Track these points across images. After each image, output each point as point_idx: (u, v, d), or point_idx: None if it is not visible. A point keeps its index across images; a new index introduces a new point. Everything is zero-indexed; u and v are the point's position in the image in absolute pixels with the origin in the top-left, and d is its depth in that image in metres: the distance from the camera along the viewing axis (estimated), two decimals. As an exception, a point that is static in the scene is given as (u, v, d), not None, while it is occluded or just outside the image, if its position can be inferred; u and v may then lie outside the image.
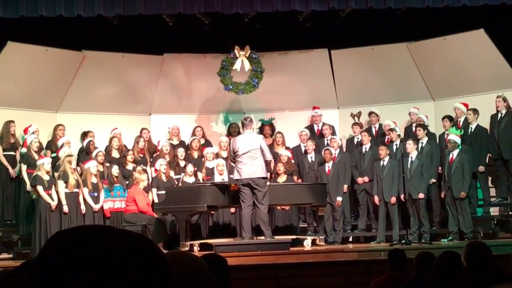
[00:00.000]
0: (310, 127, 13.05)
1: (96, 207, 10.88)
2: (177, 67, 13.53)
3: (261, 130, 12.93)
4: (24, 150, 11.29)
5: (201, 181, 11.48)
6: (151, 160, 12.23)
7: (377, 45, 12.96)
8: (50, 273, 1.14)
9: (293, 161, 12.06)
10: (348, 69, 13.24)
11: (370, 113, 12.81)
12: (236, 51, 12.56)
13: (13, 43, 11.66)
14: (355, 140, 12.54)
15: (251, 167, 9.73)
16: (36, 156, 10.99)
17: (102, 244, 1.16)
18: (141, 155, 12.11)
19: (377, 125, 12.75)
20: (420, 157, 11.06)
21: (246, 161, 9.77)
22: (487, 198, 11.62)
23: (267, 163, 10.24)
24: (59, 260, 1.14)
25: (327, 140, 12.42)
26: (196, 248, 10.04)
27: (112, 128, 12.55)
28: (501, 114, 11.48)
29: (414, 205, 10.92)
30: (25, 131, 11.60)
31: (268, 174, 10.71)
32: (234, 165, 10.17)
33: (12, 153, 11.46)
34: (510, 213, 11.73)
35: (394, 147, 11.64)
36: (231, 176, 11.54)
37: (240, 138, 10.19)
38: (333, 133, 12.70)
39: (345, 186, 11.77)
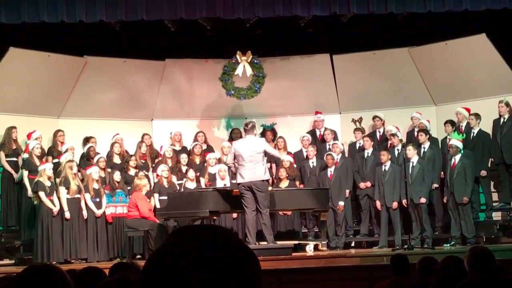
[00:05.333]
0: (312, 132, 13.04)
1: (98, 212, 10.87)
2: (178, 73, 13.54)
3: (263, 135, 12.90)
4: (26, 155, 11.30)
5: (203, 186, 11.48)
6: (153, 165, 12.24)
7: (379, 50, 12.96)
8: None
9: (295, 166, 12.06)
10: (350, 74, 13.24)
11: (374, 117, 12.79)
12: (237, 56, 12.56)
13: (15, 49, 11.68)
14: (357, 145, 12.53)
15: (253, 171, 9.72)
16: (38, 162, 10.99)
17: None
18: (143, 161, 12.12)
19: (381, 130, 12.73)
20: (422, 162, 11.06)
21: (248, 165, 9.74)
22: (489, 202, 11.61)
23: (277, 163, 10.23)
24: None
25: (329, 145, 12.42)
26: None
27: (114, 133, 12.56)
28: (504, 118, 11.48)
29: (416, 210, 10.91)
30: (28, 136, 11.61)
31: (270, 179, 10.69)
32: (230, 168, 10.14)
33: (14, 159, 11.47)
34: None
35: (396, 152, 11.64)
36: (233, 181, 11.55)
37: (242, 142, 10.17)
38: (335, 138, 12.70)
39: (347, 191, 11.76)
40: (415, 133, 12.05)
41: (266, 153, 9.90)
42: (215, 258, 1.26)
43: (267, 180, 10.00)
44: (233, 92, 12.75)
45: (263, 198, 9.77)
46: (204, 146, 12.65)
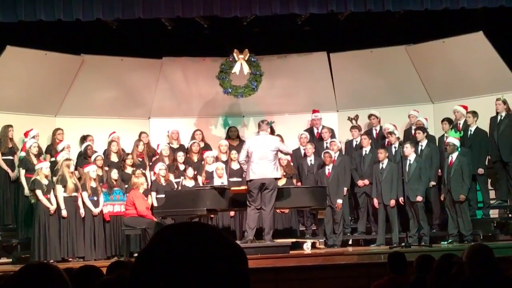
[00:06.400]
0: (310, 130, 13.04)
1: (96, 211, 10.87)
2: (176, 71, 13.52)
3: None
4: (23, 154, 11.28)
5: (201, 184, 11.47)
6: (150, 164, 12.23)
7: (376, 48, 12.96)
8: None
9: (292, 164, 12.06)
10: (347, 72, 13.24)
11: (370, 116, 12.80)
12: (235, 54, 12.55)
13: (12, 48, 11.65)
14: (354, 143, 12.53)
15: (265, 168, 9.74)
16: (35, 161, 10.98)
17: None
18: (140, 159, 12.11)
19: (378, 127, 12.74)
20: (419, 160, 11.06)
21: (260, 162, 9.76)
22: (486, 200, 11.63)
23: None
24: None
25: (327, 143, 12.42)
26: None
27: (111, 132, 12.54)
28: (501, 116, 11.48)
29: (413, 208, 10.92)
30: (26, 134, 11.58)
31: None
32: (243, 165, 10.14)
33: (10, 157, 11.46)
34: (510, 215, 11.73)
35: (393, 150, 11.65)
36: (231, 179, 11.55)
37: (255, 139, 10.22)
38: (333, 136, 12.70)
39: (345, 189, 11.76)
40: (413, 131, 12.05)
41: (279, 151, 9.93)
42: (201, 255, 1.26)
43: (278, 179, 10.02)
44: (230, 90, 12.75)
45: (269, 196, 9.79)
46: (202, 144, 12.65)
